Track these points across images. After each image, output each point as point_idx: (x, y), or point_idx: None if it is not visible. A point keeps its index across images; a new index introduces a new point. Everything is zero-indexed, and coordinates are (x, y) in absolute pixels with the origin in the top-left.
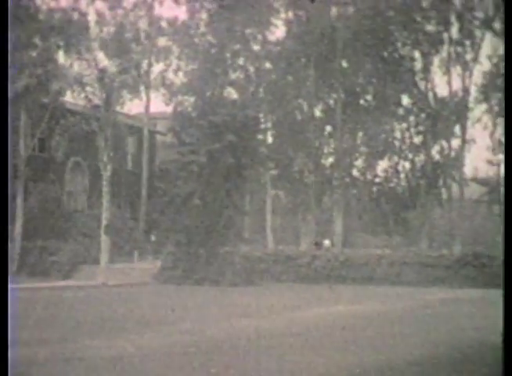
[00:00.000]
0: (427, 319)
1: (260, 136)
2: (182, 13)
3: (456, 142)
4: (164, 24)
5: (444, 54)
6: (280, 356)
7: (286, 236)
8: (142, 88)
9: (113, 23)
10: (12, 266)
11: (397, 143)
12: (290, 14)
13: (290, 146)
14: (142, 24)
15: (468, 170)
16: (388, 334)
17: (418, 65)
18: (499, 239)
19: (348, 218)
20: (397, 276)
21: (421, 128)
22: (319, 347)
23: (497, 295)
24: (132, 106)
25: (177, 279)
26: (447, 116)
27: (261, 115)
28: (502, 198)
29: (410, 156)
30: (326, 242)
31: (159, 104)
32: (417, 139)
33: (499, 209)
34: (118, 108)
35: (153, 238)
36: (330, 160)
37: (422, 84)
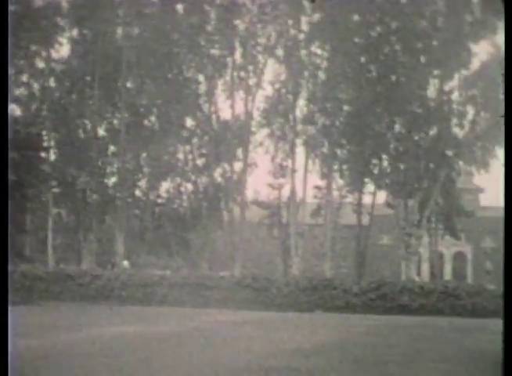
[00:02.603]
0: (204, 341)
1: (42, 154)
2: None
3: (238, 166)
4: None
5: (228, 78)
6: None
7: (68, 255)
8: None
9: None
10: None
11: (180, 165)
12: (75, 32)
13: (72, 165)
14: None
15: (249, 193)
16: (163, 355)
17: (202, 88)
18: (278, 261)
19: (131, 239)
20: (177, 297)
21: (204, 150)
22: (96, 368)
23: (277, 317)
24: None
25: None
26: (230, 139)
27: (44, 133)
28: (282, 221)
29: (193, 178)
30: (125, 262)
31: None
32: (200, 161)
33: (279, 232)
34: None
35: None
36: (113, 179)
37: (206, 107)
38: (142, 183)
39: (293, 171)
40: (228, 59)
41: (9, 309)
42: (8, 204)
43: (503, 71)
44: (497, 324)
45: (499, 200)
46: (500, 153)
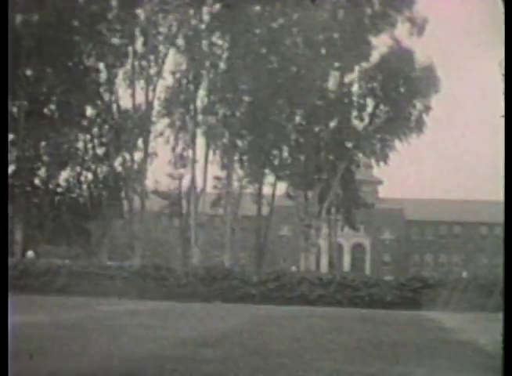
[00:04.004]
0: (101, 331)
1: None
2: None
3: (138, 155)
4: None
5: (128, 67)
6: None
7: None
8: None
9: None
10: None
11: (80, 154)
12: None
13: None
14: None
15: (150, 183)
16: (59, 344)
17: (103, 77)
18: (178, 251)
19: (29, 228)
20: (76, 286)
21: (104, 139)
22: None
23: (176, 307)
24: None
25: None
26: (130, 128)
27: None
28: (182, 211)
29: (93, 167)
30: (29, 252)
31: None
32: (100, 151)
33: (179, 222)
34: None
35: None
36: (12, 168)
37: (106, 96)
38: (42, 172)
39: (194, 161)
40: (129, 48)
41: None
42: (7, 203)
43: (503, 71)
44: (394, 315)
45: (398, 193)
46: (399, 145)
